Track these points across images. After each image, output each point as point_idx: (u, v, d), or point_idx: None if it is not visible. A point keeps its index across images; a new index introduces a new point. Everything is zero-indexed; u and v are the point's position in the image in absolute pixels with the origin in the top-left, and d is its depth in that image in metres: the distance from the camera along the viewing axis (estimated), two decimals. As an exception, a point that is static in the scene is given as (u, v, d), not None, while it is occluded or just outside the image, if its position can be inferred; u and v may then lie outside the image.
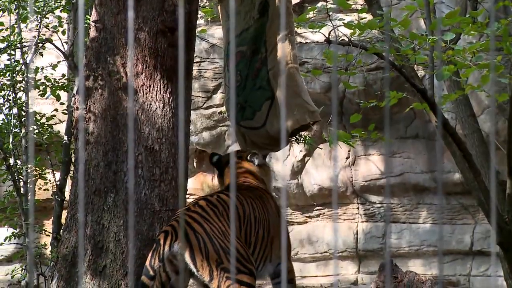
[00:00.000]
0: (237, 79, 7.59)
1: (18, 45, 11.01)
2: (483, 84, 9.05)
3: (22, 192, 10.91)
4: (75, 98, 7.68)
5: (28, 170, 10.96)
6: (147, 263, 5.89)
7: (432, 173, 13.03)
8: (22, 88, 11.29)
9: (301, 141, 10.63)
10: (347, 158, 13.18)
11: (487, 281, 12.92)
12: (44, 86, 10.98)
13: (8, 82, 11.12)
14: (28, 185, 10.99)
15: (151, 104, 7.16)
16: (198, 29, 11.46)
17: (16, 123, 11.16)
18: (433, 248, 13.17)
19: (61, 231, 8.17)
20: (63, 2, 11.20)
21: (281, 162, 13.05)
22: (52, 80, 10.99)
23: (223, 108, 13.08)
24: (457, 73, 9.50)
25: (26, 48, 11.24)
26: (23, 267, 11.27)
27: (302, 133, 9.71)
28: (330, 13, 9.96)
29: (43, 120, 11.37)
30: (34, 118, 11.36)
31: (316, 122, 7.46)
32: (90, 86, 7.14)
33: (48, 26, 11.34)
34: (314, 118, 7.32)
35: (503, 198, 9.65)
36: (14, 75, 11.09)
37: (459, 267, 13.02)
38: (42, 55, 11.26)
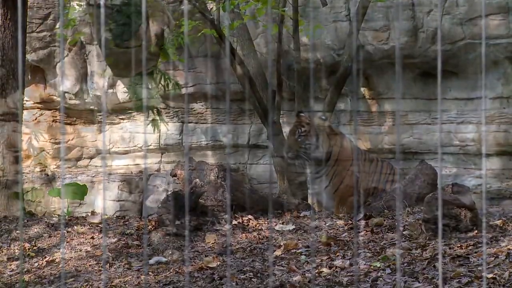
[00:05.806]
0: None
1: None
2: (259, 15, 10.90)
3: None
4: None
5: None
6: None
7: (218, 84, 13.64)
8: None
9: None
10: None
11: (260, 167, 13.84)
12: None
13: None
14: None
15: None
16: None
17: None
18: (220, 143, 13.99)
19: None
20: None
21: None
22: None
23: (54, 32, 13.46)
24: (238, 6, 10.73)
25: None
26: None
27: None
28: None
29: None
30: None
31: None
32: None
33: None
34: None
35: (273, 105, 10.79)
36: None
37: (239, 157, 13.85)
38: None
